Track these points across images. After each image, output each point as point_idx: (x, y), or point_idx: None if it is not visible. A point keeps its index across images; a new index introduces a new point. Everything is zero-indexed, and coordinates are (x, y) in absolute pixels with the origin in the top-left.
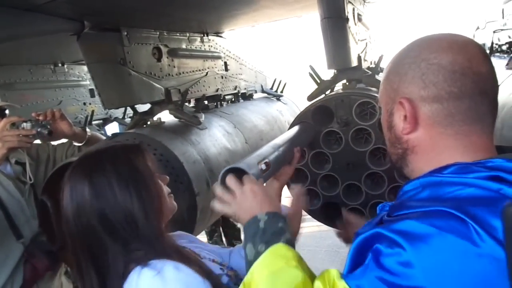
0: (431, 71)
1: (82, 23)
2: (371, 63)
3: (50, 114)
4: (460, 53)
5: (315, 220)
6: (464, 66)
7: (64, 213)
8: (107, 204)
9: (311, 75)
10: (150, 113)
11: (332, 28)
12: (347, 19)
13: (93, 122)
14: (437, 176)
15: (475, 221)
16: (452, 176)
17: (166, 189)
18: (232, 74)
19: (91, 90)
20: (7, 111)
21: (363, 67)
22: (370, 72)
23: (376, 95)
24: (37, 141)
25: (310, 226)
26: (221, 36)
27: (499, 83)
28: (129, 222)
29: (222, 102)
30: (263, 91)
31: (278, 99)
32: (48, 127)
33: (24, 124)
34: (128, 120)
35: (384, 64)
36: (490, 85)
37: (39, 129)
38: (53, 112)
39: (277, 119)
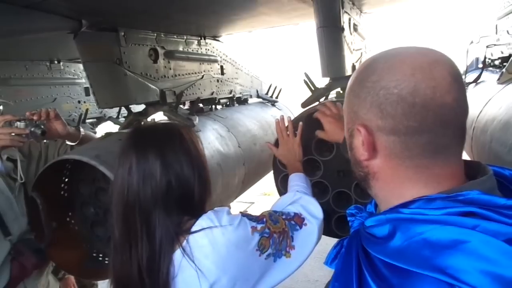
0: (389, 101)
1: (80, 21)
2: None
3: (45, 114)
4: (424, 80)
5: None
6: (426, 97)
7: (122, 181)
8: (175, 177)
9: (305, 82)
10: (144, 113)
11: (328, 37)
12: (343, 29)
13: (87, 121)
14: (403, 213)
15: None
16: (420, 213)
17: None
18: (228, 78)
19: (86, 89)
20: (0, 107)
21: None
22: None
23: None
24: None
25: None
26: (218, 40)
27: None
28: (187, 197)
29: (217, 106)
30: (258, 96)
31: (273, 105)
32: (42, 127)
33: (18, 123)
34: (122, 119)
35: None
36: (454, 114)
37: (32, 129)
38: (48, 112)
39: (271, 125)
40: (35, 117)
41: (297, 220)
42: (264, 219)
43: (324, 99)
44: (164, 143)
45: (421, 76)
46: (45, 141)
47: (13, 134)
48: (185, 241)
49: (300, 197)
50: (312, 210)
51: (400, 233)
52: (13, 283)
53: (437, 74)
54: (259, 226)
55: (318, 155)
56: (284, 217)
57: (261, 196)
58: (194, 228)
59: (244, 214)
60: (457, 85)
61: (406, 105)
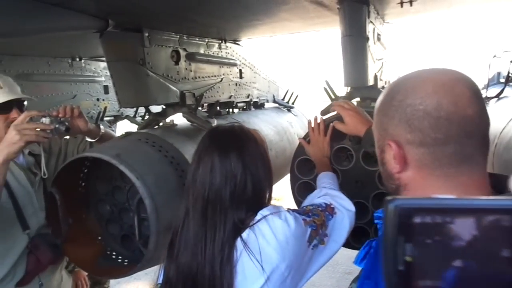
0: (416, 117)
1: (106, 21)
2: (385, 83)
3: (69, 111)
4: (446, 96)
5: None
6: (449, 111)
7: (203, 179)
8: (251, 178)
9: (326, 90)
10: (163, 114)
11: (353, 46)
12: (368, 38)
13: (105, 119)
14: None
15: None
16: None
17: None
18: (246, 82)
19: (105, 87)
20: (25, 102)
21: (378, 86)
22: None
23: None
24: None
25: None
26: (238, 44)
27: None
28: (258, 196)
29: (234, 109)
30: (274, 101)
31: (289, 111)
32: (66, 124)
33: (43, 119)
34: (138, 119)
35: None
36: (476, 125)
37: (57, 125)
38: (72, 109)
39: (287, 130)
40: (60, 114)
41: (329, 210)
42: (310, 213)
43: None
44: (244, 145)
45: (443, 93)
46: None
47: (38, 129)
48: (246, 232)
49: (328, 191)
50: (341, 202)
51: None
52: (29, 277)
53: (458, 90)
54: (308, 219)
55: (337, 164)
56: (320, 209)
57: (272, 201)
58: (256, 218)
59: (289, 208)
60: (476, 99)
61: (432, 119)
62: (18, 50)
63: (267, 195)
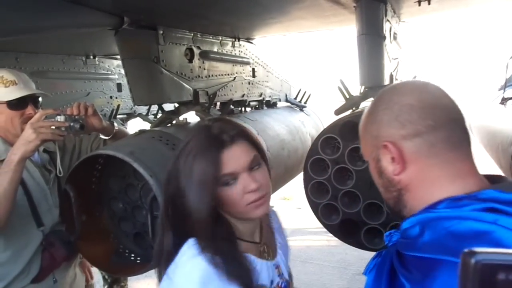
0: (404, 111)
1: (122, 18)
2: None
3: (83, 109)
4: (423, 93)
5: (325, 235)
6: (431, 101)
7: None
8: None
9: (340, 89)
10: (177, 112)
11: (369, 44)
12: (384, 37)
13: (118, 116)
14: (432, 212)
15: None
16: (447, 210)
17: None
18: (259, 81)
19: (118, 85)
20: (40, 99)
21: None
22: None
23: None
24: None
25: (319, 240)
26: (251, 42)
27: None
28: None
29: (247, 108)
30: (287, 101)
31: (301, 110)
32: (81, 121)
33: (58, 117)
34: (151, 117)
35: None
36: (457, 113)
37: (72, 123)
38: (86, 107)
39: (299, 130)
40: (74, 112)
41: None
42: None
43: (356, 108)
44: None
45: (422, 89)
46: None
47: (53, 127)
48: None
49: None
50: None
51: (429, 230)
52: (43, 274)
53: (430, 88)
54: None
55: (351, 164)
56: None
57: (281, 200)
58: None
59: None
60: (449, 96)
61: (419, 109)
62: (33, 47)
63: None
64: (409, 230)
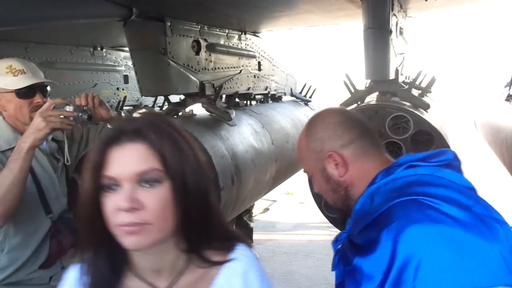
0: (337, 127)
1: (130, 9)
2: (406, 78)
3: (91, 100)
4: (345, 111)
5: (327, 229)
6: (353, 117)
7: None
8: None
9: (345, 83)
10: (183, 104)
11: (375, 39)
12: (390, 31)
13: (124, 108)
14: (374, 184)
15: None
16: (384, 179)
17: None
18: (264, 75)
19: (125, 76)
20: (48, 88)
21: (399, 80)
22: (406, 87)
23: (411, 109)
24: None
25: (322, 234)
26: (258, 36)
27: None
28: None
29: (252, 101)
30: (292, 95)
31: (306, 104)
32: (89, 112)
33: (67, 107)
34: (157, 109)
35: (422, 80)
36: (367, 124)
37: (80, 114)
38: (93, 98)
39: (304, 124)
40: (82, 102)
41: None
42: None
43: (361, 102)
44: None
45: (342, 111)
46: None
47: (62, 117)
48: None
49: None
50: None
51: (377, 195)
52: (51, 260)
53: (347, 110)
54: None
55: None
56: None
57: (284, 195)
58: None
59: None
60: (358, 116)
61: (347, 124)
62: (42, 38)
63: None
64: (363, 206)
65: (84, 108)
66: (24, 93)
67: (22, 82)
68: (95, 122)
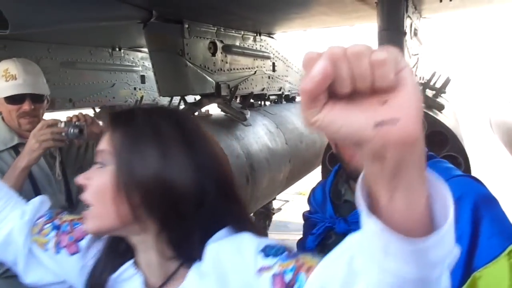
0: None
1: (150, 12)
2: (420, 79)
3: (82, 117)
4: None
5: None
6: None
7: None
8: None
9: None
10: (199, 104)
11: (389, 40)
12: (405, 33)
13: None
14: None
15: None
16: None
17: None
18: (279, 75)
19: (142, 76)
20: (44, 93)
21: None
22: (421, 87)
23: (425, 110)
24: None
25: None
26: (272, 37)
27: None
28: None
29: (266, 102)
30: None
31: None
32: (80, 127)
33: (59, 124)
34: None
35: (437, 81)
36: None
37: (71, 129)
38: (85, 117)
39: None
40: (73, 119)
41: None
42: None
43: None
44: None
45: None
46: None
47: (54, 132)
48: None
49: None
50: None
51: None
52: None
53: None
54: None
55: None
56: None
57: (296, 195)
58: None
59: None
60: None
61: None
62: (64, 39)
63: None
64: None
65: (76, 123)
66: (12, 99)
67: (10, 89)
68: (87, 140)
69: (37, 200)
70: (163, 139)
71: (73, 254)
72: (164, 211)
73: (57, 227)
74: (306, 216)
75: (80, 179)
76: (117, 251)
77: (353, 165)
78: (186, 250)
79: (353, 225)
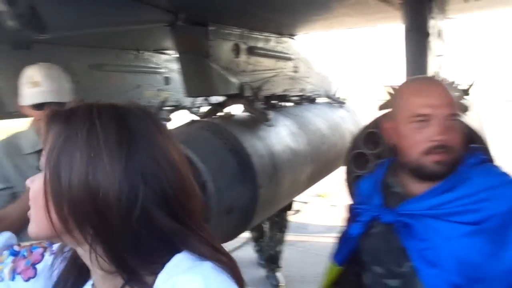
0: None
1: (176, 15)
2: (444, 80)
3: None
4: None
5: None
6: None
7: None
8: None
9: (385, 85)
10: (223, 105)
11: (414, 41)
12: (429, 34)
13: (165, 108)
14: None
15: None
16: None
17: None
18: (300, 77)
19: (166, 78)
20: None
21: None
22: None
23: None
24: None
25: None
26: (294, 39)
27: None
28: None
29: (288, 103)
30: (327, 97)
31: (341, 106)
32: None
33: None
34: (195, 109)
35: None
36: None
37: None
38: None
39: (339, 126)
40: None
41: None
42: None
43: None
44: None
45: None
46: None
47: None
48: None
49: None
50: None
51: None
52: None
53: None
54: None
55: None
56: None
57: (315, 197)
58: None
59: None
60: None
61: None
62: (91, 42)
63: None
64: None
65: None
66: (36, 105)
67: (34, 97)
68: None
69: (5, 234)
70: (95, 141)
71: (28, 279)
72: (93, 222)
73: (15, 253)
74: (351, 207)
75: (28, 181)
76: (76, 270)
77: (418, 162)
78: (122, 264)
79: (400, 216)
